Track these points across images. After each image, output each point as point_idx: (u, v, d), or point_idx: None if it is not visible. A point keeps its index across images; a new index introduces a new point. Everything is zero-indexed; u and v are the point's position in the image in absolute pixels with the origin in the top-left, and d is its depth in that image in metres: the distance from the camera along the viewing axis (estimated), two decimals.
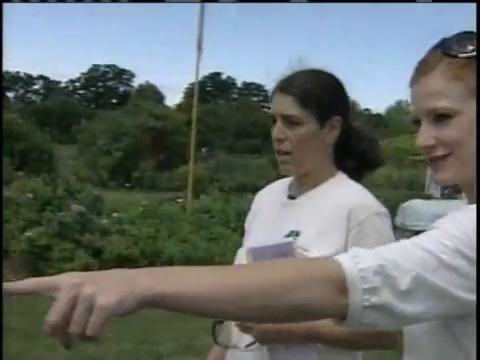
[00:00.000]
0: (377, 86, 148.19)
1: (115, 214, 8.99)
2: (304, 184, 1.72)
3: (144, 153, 20.50)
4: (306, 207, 1.68)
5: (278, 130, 1.66)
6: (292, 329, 1.50)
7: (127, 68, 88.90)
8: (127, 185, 19.11)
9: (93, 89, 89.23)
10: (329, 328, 1.47)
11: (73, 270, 6.29)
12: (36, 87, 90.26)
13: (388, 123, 67.51)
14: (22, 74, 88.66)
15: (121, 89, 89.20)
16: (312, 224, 1.63)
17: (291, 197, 1.75)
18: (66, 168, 18.14)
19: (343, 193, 1.65)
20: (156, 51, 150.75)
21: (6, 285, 0.85)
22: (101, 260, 7.23)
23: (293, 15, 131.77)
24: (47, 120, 21.10)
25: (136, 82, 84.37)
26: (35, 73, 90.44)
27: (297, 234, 1.62)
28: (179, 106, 40.82)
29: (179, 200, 10.87)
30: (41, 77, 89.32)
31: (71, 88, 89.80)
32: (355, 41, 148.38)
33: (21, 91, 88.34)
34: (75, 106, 64.70)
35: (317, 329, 1.50)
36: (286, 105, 1.65)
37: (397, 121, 58.74)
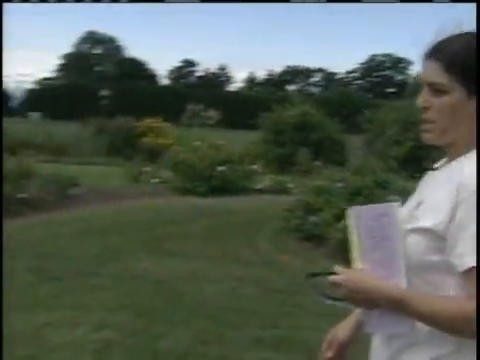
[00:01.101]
0: None
1: None
2: (449, 156, 1.64)
3: None
4: (437, 178, 1.62)
5: (423, 98, 1.59)
6: (382, 293, 1.51)
7: (402, 56, 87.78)
8: (417, 175, 18.75)
9: (370, 79, 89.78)
10: (418, 300, 1.48)
11: None
12: (315, 79, 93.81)
13: None
14: (302, 68, 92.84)
15: (398, 78, 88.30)
16: (431, 195, 1.58)
17: (435, 168, 1.69)
18: (355, 158, 18.44)
19: (465, 166, 1.53)
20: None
21: None
22: None
23: None
24: (329, 110, 21.61)
25: (413, 70, 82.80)
26: (313, 66, 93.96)
27: (419, 204, 1.59)
28: None
29: None
30: (319, 70, 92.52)
31: (348, 79, 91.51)
32: None
33: (301, 83, 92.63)
34: (354, 96, 65.73)
35: (407, 299, 1.49)
36: (432, 72, 1.57)
37: None
